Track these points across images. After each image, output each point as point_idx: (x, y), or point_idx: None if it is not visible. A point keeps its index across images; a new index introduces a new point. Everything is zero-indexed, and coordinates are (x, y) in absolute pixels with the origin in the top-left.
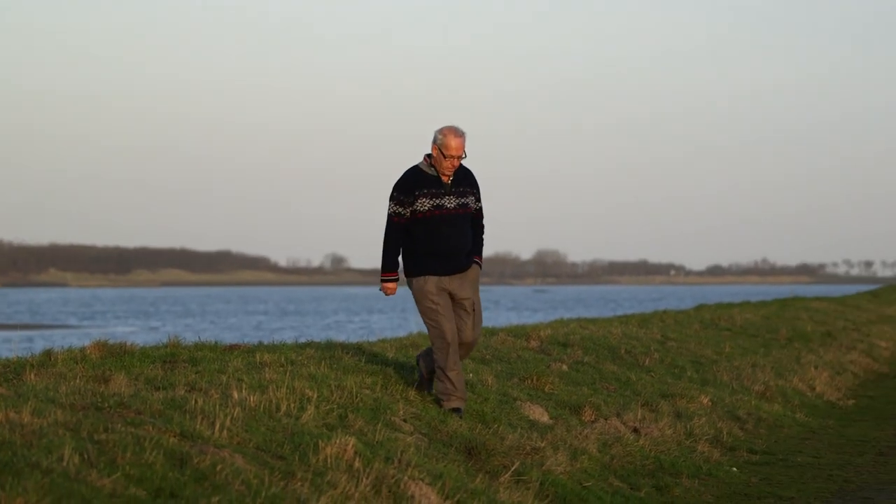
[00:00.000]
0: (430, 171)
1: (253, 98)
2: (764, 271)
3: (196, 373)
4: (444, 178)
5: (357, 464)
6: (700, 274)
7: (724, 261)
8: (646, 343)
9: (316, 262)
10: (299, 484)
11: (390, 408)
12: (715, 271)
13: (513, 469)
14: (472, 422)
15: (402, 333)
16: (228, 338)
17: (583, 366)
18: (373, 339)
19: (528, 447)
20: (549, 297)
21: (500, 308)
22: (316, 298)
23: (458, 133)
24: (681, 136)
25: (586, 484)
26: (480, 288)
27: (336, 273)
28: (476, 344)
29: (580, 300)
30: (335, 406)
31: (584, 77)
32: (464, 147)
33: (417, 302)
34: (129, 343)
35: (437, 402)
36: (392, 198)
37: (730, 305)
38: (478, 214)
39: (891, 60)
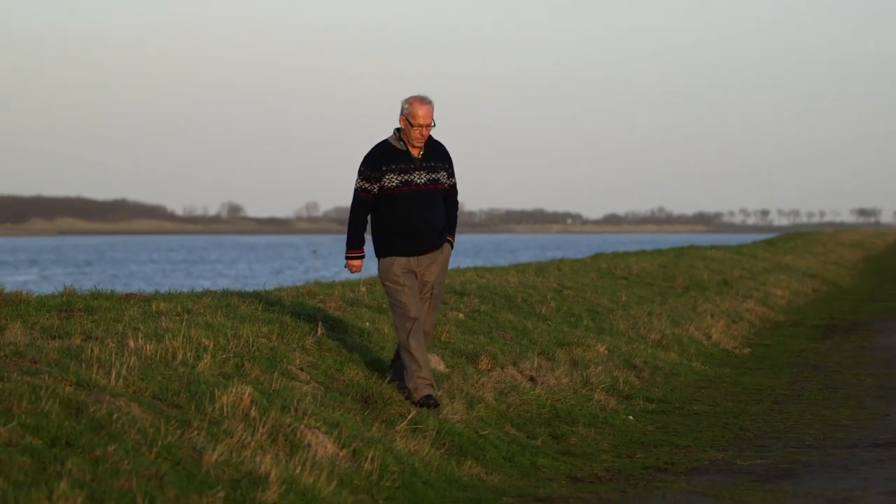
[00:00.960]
0: (400, 146)
1: (149, 38)
2: (660, 220)
3: (92, 322)
4: (414, 152)
5: (253, 413)
6: (597, 223)
7: (621, 209)
8: (542, 292)
9: (213, 211)
10: (195, 433)
11: (287, 357)
12: (612, 220)
13: (409, 418)
14: (369, 371)
15: (298, 282)
16: (124, 287)
17: (479, 314)
18: (270, 287)
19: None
20: None
21: None
22: (212, 247)
23: (425, 101)
24: (577, 88)
25: (483, 432)
26: None
27: (233, 222)
28: (431, 334)
29: (477, 249)
30: (231, 355)
31: (479, 26)
32: (432, 115)
33: (382, 282)
34: (24, 292)
35: (403, 392)
36: (359, 172)
37: (626, 254)
38: (451, 190)
39: (788, 20)
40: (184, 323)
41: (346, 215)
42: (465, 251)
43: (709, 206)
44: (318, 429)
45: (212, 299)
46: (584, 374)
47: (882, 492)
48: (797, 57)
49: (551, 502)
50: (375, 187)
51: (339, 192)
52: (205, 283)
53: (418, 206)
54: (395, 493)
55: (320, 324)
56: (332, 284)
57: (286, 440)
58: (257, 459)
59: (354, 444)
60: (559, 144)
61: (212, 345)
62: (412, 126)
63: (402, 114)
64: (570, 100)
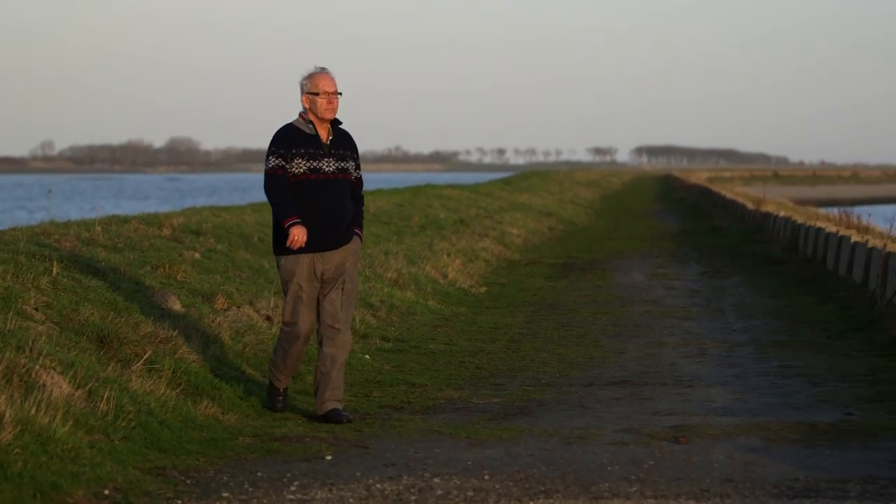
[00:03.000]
0: (308, 129)
1: None
2: (397, 159)
3: None
4: (323, 134)
5: None
6: None
7: (359, 148)
8: None
9: None
10: None
11: (21, 296)
12: None
13: (145, 358)
14: (105, 310)
15: (33, 222)
16: None
17: (215, 254)
18: (3, 227)
19: (160, 336)
20: (182, 185)
21: (132, 197)
22: None
23: (325, 70)
24: (318, 28)
25: (219, 372)
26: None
27: None
28: (348, 336)
29: (212, 188)
30: None
31: None
32: (335, 84)
33: (283, 281)
34: None
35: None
36: (271, 152)
37: (363, 193)
38: (357, 184)
39: None
40: None
41: (82, 154)
42: (201, 190)
43: (445, 145)
44: (54, 369)
45: None
46: None
47: (617, 429)
48: None
49: (288, 441)
50: (290, 166)
51: (75, 131)
52: None
53: (326, 197)
54: (131, 432)
55: (55, 263)
56: (67, 224)
57: (21, 381)
58: None
59: (90, 385)
60: (296, 80)
61: None
62: (318, 96)
63: (303, 92)
64: (307, 38)
